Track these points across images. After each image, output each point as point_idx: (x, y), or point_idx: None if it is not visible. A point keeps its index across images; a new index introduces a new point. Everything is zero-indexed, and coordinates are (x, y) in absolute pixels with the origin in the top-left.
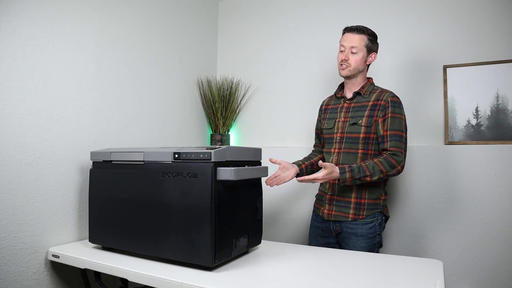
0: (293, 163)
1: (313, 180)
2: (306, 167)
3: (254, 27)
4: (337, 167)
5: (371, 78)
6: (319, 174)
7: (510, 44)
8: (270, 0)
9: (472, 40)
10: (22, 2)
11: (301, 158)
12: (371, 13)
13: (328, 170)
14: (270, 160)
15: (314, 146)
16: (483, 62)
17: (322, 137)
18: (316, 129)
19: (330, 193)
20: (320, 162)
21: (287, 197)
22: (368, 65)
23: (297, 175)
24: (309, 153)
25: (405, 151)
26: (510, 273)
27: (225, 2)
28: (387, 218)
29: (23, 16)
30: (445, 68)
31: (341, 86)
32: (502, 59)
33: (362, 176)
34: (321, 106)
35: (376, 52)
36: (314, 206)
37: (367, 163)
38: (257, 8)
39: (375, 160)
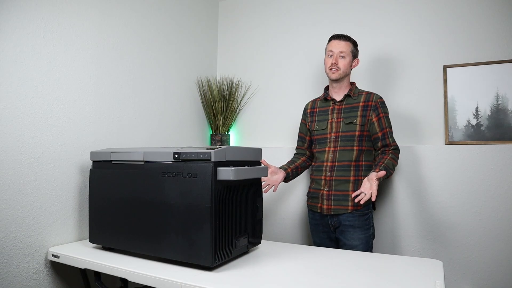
0: (279, 167)
1: (371, 190)
2: (292, 171)
3: (254, 27)
4: (372, 175)
5: (355, 82)
6: (374, 186)
7: (510, 44)
8: (270, 0)
9: (472, 40)
10: (22, 2)
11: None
12: (371, 13)
13: (367, 184)
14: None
15: (297, 148)
16: (483, 62)
17: (307, 140)
18: (300, 132)
19: (327, 189)
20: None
21: (287, 197)
22: (351, 70)
23: (284, 179)
24: (293, 158)
25: None
26: (510, 273)
27: (225, 2)
28: (374, 209)
29: (23, 16)
30: (445, 68)
31: (326, 89)
32: (502, 59)
33: (389, 175)
34: (305, 109)
35: (358, 58)
36: (309, 205)
37: (386, 162)
38: (257, 8)
39: (388, 158)
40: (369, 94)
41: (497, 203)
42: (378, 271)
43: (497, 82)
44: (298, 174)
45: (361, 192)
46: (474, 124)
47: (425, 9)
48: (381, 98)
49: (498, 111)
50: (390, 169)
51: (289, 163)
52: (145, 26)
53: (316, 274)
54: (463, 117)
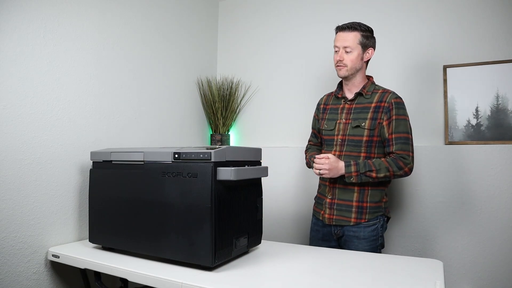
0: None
1: (321, 160)
2: None
3: (254, 27)
4: (341, 160)
5: (372, 77)
6: (329, 155)
7: (510, 44)
8: (270, 0)
9: (472, 40)
10: (22, 2)
11: (301, 158)
12: (371, 13)
13: (334, 158)
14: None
15: (313, 144)
16: (483, 62)
17: (319, 137)
18: (313, 128)
19: (330, 197)
20: (323, 153)
21: (287, 197)
22: (367, 62)
23: None
24: (311, 150)
25: (413, 152)
26: (510, 273)
27: (225, 2)
28: (388, 218)
29: (23, 16)
30: (445, 68)
31: (340, 85)
32: (502, 59)
33: (367, 170)
34: (319, 104)
35: (373, 47)
36: (314, 210)
37: (372, 160)
38: (257, 8)
39: (382, 159)
40: (384, 93)
41: (497, 203)
42: (378, 271)
43: (497, 82)
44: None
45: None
46: (474, 124)
47: (425, 9)
48: (397, 98)
49: (498, 111)
50: (372, 168)
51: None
52: (145, 26)
53: (316, 274)
54: (463, 117)
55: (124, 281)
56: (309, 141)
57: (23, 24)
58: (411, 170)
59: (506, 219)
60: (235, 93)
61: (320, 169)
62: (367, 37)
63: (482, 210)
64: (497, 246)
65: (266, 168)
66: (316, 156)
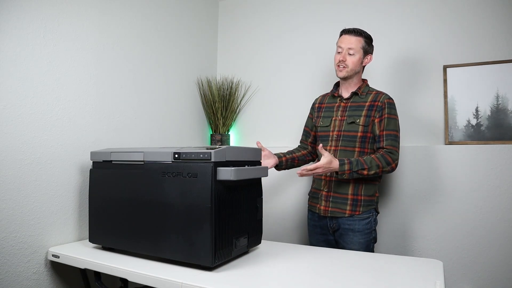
0: (274, 154)
1: (313, 171)
2: (287, 160)
3: (254, 27)
4: (336, 159)
5: (366, 80)
6: (320, 163)
7: (510, 44)
8: (270, 0)
9: (472, 40)
10: (22, 2)
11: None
12: (371, 13)
13: (328, 159)
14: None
15: (300, 142)
16: (483, 62)
17: (311, 135)
18: (306, 126)
19: (326, 190)
20: (320, 146)
21: (287, 197)
22: (364, 67)
23: (276, 167)
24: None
25: (399, 149)
26: (510, 273)
27: (225, 2)
28: (378, 213)
29: (23, 16)
30: (445, 68)
31: (336, 85)
32: (502, 59)
33: (360, 169)
34: (314, 104)
35: (372, 54)
36: (309, 205)
37: (364, 158)
38: (257, 8)
39: (372, 156)
40: (378, 93)
41: (497, 203)
42: (378, 271)
43: (497, 82)
44: (293, 166)
45: (313, 169)
46: (474, 124)
47: (424, 9)
48: (390, 99)
49: (498, 111)
50: (364, 166)
51: (287, 152)
52: (145, 26)
53: (316, 274)
54: (463, 117)
55: (124, 281)
56: (300, 141)
57: (23, 24)
58: (396, 165)
59: (506, 219)
60: (235, 93)
61: (315, 173)
62: (369, 43)
63: (483, 210)
64: (497, 246)
65: (266, 168)
66: (309, 167)
